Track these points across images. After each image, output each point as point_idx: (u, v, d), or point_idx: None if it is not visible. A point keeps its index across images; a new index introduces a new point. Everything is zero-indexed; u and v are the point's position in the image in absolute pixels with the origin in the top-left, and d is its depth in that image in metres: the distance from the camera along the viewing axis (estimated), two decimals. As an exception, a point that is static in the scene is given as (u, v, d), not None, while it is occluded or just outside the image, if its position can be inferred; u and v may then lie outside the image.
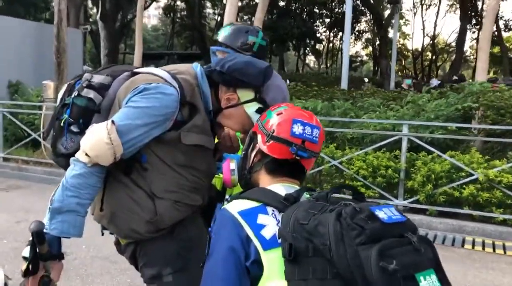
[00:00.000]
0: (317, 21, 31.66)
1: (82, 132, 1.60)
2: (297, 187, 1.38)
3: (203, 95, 1.70)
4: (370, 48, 36.89)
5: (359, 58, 40.60)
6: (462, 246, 4.90)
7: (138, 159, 1.62)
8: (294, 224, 1.13)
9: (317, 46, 35.94)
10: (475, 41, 30.72)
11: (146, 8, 23.45)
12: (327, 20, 32.37)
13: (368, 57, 41.29)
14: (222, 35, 2.23)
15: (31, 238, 1.47)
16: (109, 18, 21.10)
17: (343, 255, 1.02)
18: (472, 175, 5.33)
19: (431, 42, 34.01)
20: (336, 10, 30.74)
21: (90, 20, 29.78)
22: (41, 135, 8.09)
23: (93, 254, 4.31)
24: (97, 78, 1.73)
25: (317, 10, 30.41)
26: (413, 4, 35.23)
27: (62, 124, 1.69)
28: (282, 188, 1.35)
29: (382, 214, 1.09)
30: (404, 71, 39.12)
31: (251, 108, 1.70)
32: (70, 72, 8.70)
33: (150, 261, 1.71)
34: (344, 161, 5.94)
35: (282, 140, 1.36)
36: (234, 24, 2.29)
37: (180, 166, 1.66)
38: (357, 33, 33.04)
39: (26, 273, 1.47)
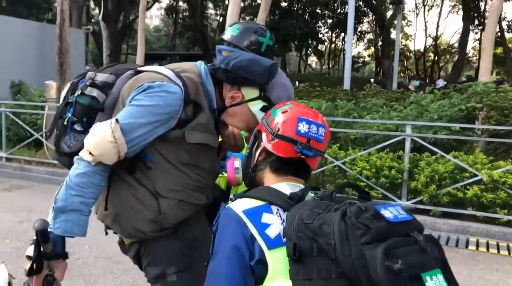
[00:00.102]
0: (319, 22, 31.62)
1: (85, 131, 1.59)
2: (302, 186, 1.37)
3: (207, 94, 1.69)
4: (372, 49, 36.85)
5: (361, 59, 40.55)
6: (466, 247, 4.87)
7: (142, 157, 1.61)
8: (298, 223, 1.12)
9: (319, 47, 35.89)
10: (477, 42, 30.64)
11: (148, 8, 23.50)
12: (329, 21, 32.34)
13: (370, 58, 41.24)
14: (229, 34, 2.21)
15: (35, 237, 1.47)
16: (111, 18, 21.11)
17: (348, 254, 1.01)
18: (476, 175, 5.31)
19: (434, 43, 33.96)
20: (339, 11, 30.73)
21: (92, 20, 29.83)
22: (44, 136, 8.10)
23: (96, 254, 4.31)
24: (101, 77, 1.73)
25: (319, 11, 30.38)
26: (415, 5, 35.19)
27: (65, 123, 1.68)
28: (287, 186, 1.34)
29: (387, 213, 1.08)
30: (407, 72, 39.04)
31: (256, 107, 1.69)
32: (73, 73, 8.70)
33: (154, 261, 1.70)
34: (347, 161, 5.93)
35: (287, 139, 1.34)
36: (242, 23, 2.26)
37: (184, 164, 1.65)
38: (359, 34, 33.00)
39: (30, 272, 1.46)
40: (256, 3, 26.53)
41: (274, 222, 1.22)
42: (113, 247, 4.31)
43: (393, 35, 24.00)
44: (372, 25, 33.36)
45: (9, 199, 6.45)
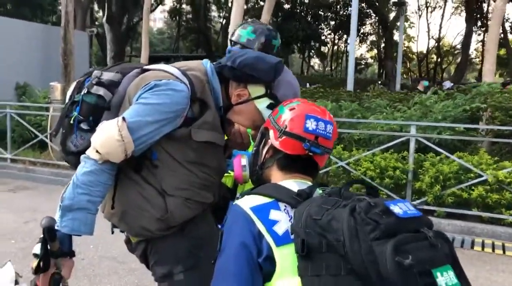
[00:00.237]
0: (322, 24, 31.61)
1: (92, 130, 1.59)
2: (310, 183, 1.36)
3: (213, 92, 1.69)
4: (375, 51, 36.80)
5: (364, 61, 40.51)
6: (472, 248, 4.85)
7: (149, 156, 1.61)
8: (307, 220, 1.11)
9: (322, 49, 35.91)
10: (480, 43, 30.58)
11: (152, 11, 23.53)
12: (332, 23, 32.33)
13: (373, 60, 41.20)
14: (240, 35, 2.21)
15: (42, 235, 1.47)
16: (115, 20, 21.18)
17: (358, 250, 1.00)
18: (481, 176, 5.29)
19: (436, 44, 33.89)
20: (341, 12, 30.71)
21: (96, 23, 29.93)
22: (48, 137, 8.12)
23: (101, 254, 4.31)
24: (107, 75, 1.72)
25: (322, 13, 30.37)
26: (418, 7, 35.14)
27: (71, 122, 1.68)
28: (294, 184, 1.33)
29: (397, 208, 1.07)
30: (410, 73, 38.98)
31: (262, 104, 1.69)
32: (77, 74, 8.71)
33: (161, 259, 1.69)
34: (351, 162, 5.92)
35: (295, 136, 1.34)
36: (254, 25, 2.25)
37: (191, 163, 1.65)
38: (362, 36, 32.99)
39: (37, 270, 1.46)
40: (259, 5, 26.55)
41: (282, 219, 1.22)
42: (118, 247, 4.35)
43: (396, 37, 24.00)
44: (374, 27, 33.34)
45: (14, 200, 6.46)
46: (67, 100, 1.78)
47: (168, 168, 1.63)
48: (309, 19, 29.34)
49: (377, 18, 27.32)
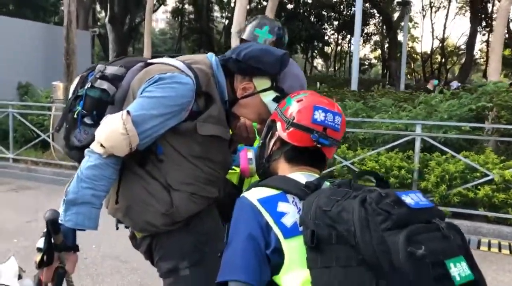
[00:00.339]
0: (325, 24, 31.60)
1: (95, 124, 1.57)
2: (317, 176, 1.34)
3: (218, 85, 1.67)
4: (379, 51, 36.76)
5: (368, 61, 40.47)
6: (478, 248, 4.80)
7: (154, 150, 1.59)
8: (316, 211, 1.09)
9: (325, 49, 35.90)
10: (485, 43, 30.49)
11: (154, 11, 23.58)
12: (335, 22, 32.32)
13: (376, 60, 41.15)
14: (256, 35, 2.18)
15: (45, 230, 1.44)
16: (118, 21, 21.22)
17: (369, 241, 0.98)
18: (487, 175, 5.25)
19: (441, 45, 33.82)
20: (345, 12, 30.69)
21: (99, 23, 30.00)
22: (51, 137, 8.11)
23: (104, 253, 4.29)
24: (111, 69, 1.70)
25: (325, 13, 30.36)
26: (422, 7, 35.10)
27: (75, 116, 1.65)
28: (302, 176, 1.31)
29: (408, 199, 1.05)
30: (414, 74, 38.93)
31: (268, 97, 1.67)
32: (79, 74, 8.71)
33: (166, 255, 1.67)
34: (356, 162, 5.88)
35: (303, 127, 1.31)
36: (267, 23, 2.22)
37: (196, 157, 1.62)
38: (365, 36, 32.94)
39: (41, 264, 1.44)
40: (262, 6, 26.56)
41: (290, 211, 1.19)
42: (121, 246, 4.33)
43: (399, 37, 23.94)
44: (378, 27, 33.30)
45: (16, 199, 6.46)
46: (70, 95, 1.76)
47: (173, 162, 1.60)
48: (312, 19, 29.33)
49: (381, 18, 27.29)
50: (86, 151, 1.52)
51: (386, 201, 1.02)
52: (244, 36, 2.23)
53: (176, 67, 1.61)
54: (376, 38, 35.83)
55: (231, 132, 1.79)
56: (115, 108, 1.63)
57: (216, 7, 34.40)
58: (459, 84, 14.21)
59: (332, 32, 34.02)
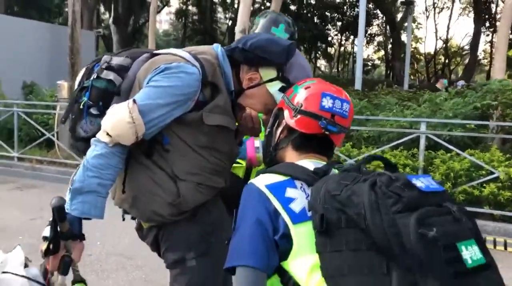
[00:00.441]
0: (329, 25, 31.57)
1: (101, 115, 1.57)
2: (325, 164, 1.33)
3: (224, 76, 1.67)
4: (382, 52, 36.70)
5: (371, 62, 40.41)
6: (483, 245, 4.77)
7: (160, 140, 1.59)
8: (325, 195, 1.09)
9: (329, 50, 35.86)
10: (489, 44, 30.40)
11: (158, 12, 23.63)
12: (339, 23, 32.28)
13: (380, 61, 41.09)
14: (273, 34, 2.17)
15: (51, 218, 1.44)
16: (122, 22, 21.26)
17: (379, 224, 0.97)
18: (492, 173, 5.22)
19: (444, 45, 33.73)
20: (348, 13, 30.66)
21: (102, 25, 30.07)
22: (55, 135, 8.13)
23: (108, 250, 4.29)
24: (116, 60, 1.71)
25: (328, 14, 30.34)
26: (426, 7, 35.03)
27: (81, 107, 1.65)
28: (310, 163, 1.30)
29: (419, 182, 1.04)
30: (417, 74, 38.84)
31: (274, 87, 1.66)
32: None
33: (173, 245, 1.66)
34: (360, 160, 5.85)
35: (311, 114, 1.31)
36: (283, 22, 2.21)
37: (202, 147, 1.62)
38: (368, 36, 32.90)
39: (47, 253, 1.44)
40: (264, 7, 26.57)
41: (298, 197, 1.19)
42: (125, 243, 4.33)
43: (403, 37, 23.92)
44: (381, 27, 33.25)
45: (21, 198, 6.47)
46: (76, 87, 1.76)
47: (179, 153, 1.60)
48: (315, 20, 29.31)
49: (384, 18, 27.25)
50: (92, 140, 1.52)
51: (397, 184, 1.02)
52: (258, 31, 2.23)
53: (182, 58, 1.61)
54: (379, 39, 35.78)
55: (237, 124, 1.79)
56: (121, 99, 1.63)
57: (219, 9, 34.43)
58: (465, 83, 14.17)
59: (336, 33, 33.98)
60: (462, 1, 32.10)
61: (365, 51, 36.73)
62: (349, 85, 15.51)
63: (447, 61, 34.41)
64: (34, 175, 7.84)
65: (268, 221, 1.15)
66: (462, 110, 6.29)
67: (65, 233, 1.45)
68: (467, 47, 31.98)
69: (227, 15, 35.08)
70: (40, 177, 7.71)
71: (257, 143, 1.76)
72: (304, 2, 28.76)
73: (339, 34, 34.28)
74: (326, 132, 1.31)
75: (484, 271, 0.97)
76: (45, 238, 1.46)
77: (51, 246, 1.43)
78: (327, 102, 1.31)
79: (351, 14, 29.76)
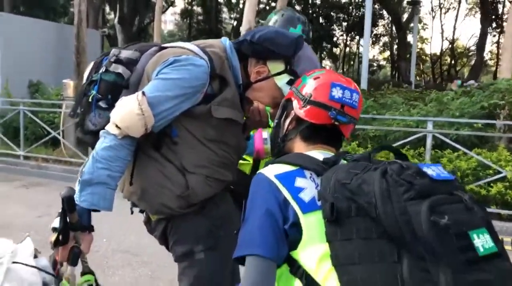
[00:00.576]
0: (334, 25, 31.54)
1: (110, 108, 1.57)
2: (334, 154, 1.32)
3: (232, 69, 1.67)
4: (388, 52, 36.62)
5: (376, 62, 40.34)
6: (490, 245, 4.75)
7: (168, 133, 1.59)
8: (335, 184, 1.08)
9: (334, 50, 35.81)
10: (495, 45, 30.28)
11: (163, 12, 23.68)
12: (344, 24, 32.25)
13: (385, 62, 41.01)
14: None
15: (61, 210, 1.45)
16: (127, 22, 21.32)
17: (391, 212, 0.97)
18: (500, 172, 5.20)
19: (450, 46, 33.62)
20: (354, 13, 30.62)
21: (108, 24, 30.17)
22: (61, 134, 8.16)
23: (114, 247, 4.30)
24: (125, 53, 1.71)
25: (333, 14, 30.31)
26: (432, 8, 34.88)
27: (90, 100, 1.66)
28: (319, 154, 1.29)
29: (430, 171, 1.04)
30: (423, 75, 38.72)
31: (282, 81, 1.67)
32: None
33: (181, 238, 1.67)
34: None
35: (320, 104, 1.30)
36: (298, 21, 2.21)
37: (210, 140, 1.62)
38: (374, 37, 32.85)
39: (56, 243, 1.44)
40: (269, 7, 26.58)
41: (308, 186, 1.18)
42: (131, 240, 4.34)
43: (409, 38, 23.86)
44: (387, 28, 33.19)
45: (27, 195, 6.50)
46: (84, 81, 1.76)
47: (187, 145, 1.60)
48: (321, 20, 29.29)
49: (390, 19, 27.19)
50: (101, 132, 1.52)
51: (408, 172, 1.01)
52: None
53: (191, 51, 1.61)
54: (385, 39, 35.71)
55: (244, 118, 1.79)
56: (129, 92, 1.63)
57: (224, 9, 34.47)
58: (476, 84, 14.12)
59: (341, 33, 33.94)
60: (468, 1, 31.98)
61: (371, 51, 36.68)
62: (354, 85, 15.48)
63: (453, 62, 34.28)
64: (40, 173, 7.87)
65: (277, 211, 1.14)
66: (469, 110, 6.27)
67: (74, 224, 1.45)
68: (473, 48, 31.85)
69: (232, 15, 35.11)
70: (45, 175, 7.74)
71: (265, 134, 1.76)
72: (310, 2, 28.74)
73: (344, 35, 34.24)
74: (336, 123, 1.30)
75: (496, 259, 0.96)
76: (54, 229, 1.46)
77: (60, 237, 1.44)
78: (337, 93, 1.30)
79: (357, 14, 29.73)
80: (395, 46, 29.23)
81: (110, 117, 1.51)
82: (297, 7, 28.10)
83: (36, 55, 9.96)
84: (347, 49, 37.40)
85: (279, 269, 1.15)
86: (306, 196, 1.16)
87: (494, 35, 29.31)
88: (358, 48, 35.07)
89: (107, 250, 4.21)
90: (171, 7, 32.59)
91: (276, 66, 1.67)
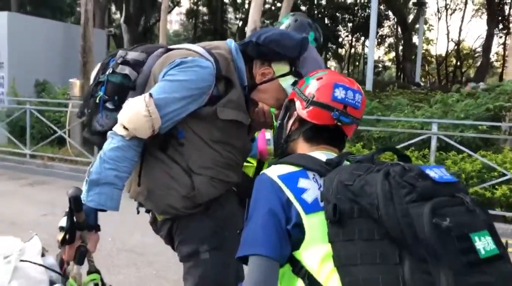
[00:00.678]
0: (340, 26, 31.49)
1: (117, 109, 1.59)
2: (337, 155, 1.33)
3: (238, 71, 1.69)
4: (393, 53, 36.51)
5: (382, 63, 40.23)
6: (494, 247, 4.73)
7: (175, 134, 1.61)
8: (338, 186, 1.09)
9: (339, 51, 35.74)
10: (501, 46, 30.12)
11: (169, 12, 23.71)
12: (350, 24, 32.18)
13: (391, 63, 40.88)
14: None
15: (68, 209, 1.46)
16: (133, 21, 21.37)
17: (393, 214, 0.98)
18: (505, 175, 5.19)
19: (456, 47, 33.47)
20: (359, 14, 30.55)
21: (114, 24, 30.26)
22: (67, 133, 8.20)
23: (119, 246, 4.32)
24: (132, 55, 1.73)
25: (339, 15, 30.26)
26: (438, 9, 34.75)
27: (97, 101, 1.68)
28: (322, 154, 1.30)
29: (432, 173, 1.05)
30: (428, 77, 38.57)
31: (287, 82, 1.68)
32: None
33: (187, 238, 1.68)
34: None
35: (323, 105, 1.31)
36: (310, 28, 2.22)
37: (216, 142, 1.64)
38: (379, 38, 32.76)
39: (63, 242, 1.46)
40: (274, 8, 26.58)
41: (311, 187, 1.19)
42: (136, 240, 4.36)
43: (414, 39, 23.77)
44: (393, 29, 33.09)
45: (32, 194, 6.54)
46: (91, 82, 1.78)
47: (193, 147, 1.62)
48: (326, 21, 29.24)
49: (395, 20, 27.11)
50: (109, 133, 1.54)
51: (410, 174, 1.02)
52: None
53: (197, 52, 1.63)
54: (390, 40, 35.60)
55: (249, 119, 1.80)
56: (136, 93, 1.65)
57: (230, 9, 34.49)
58: (486, 86, 14.07)
59: (346, 34, 33.87)
60: (475, 2, 31.83)
61: (376, 52, 36.57)
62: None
63: (458, 63, 34.13)
64: (45, 171, 7.93)
65: (280, 211, 1.16)
66: (474, 112, 6.26)
67: (81, 223, 1.47)
68: (479, 49, 31.69)
69: (237, 16, 35.13)
70: (51, 174, 7.79)
71: (268, 135, 1.78)
72: (315, 2, 28.70)
73: (350, 35, 34.16)
74: (339, 124, 1.31)
75: (497, 261, 0.97)
76: (61, 228, 1.48)
77: (67, 236, 1.45)
78: (339, 93, 1.31)
79: (362, 15, 29.66)
80: (401, 47, 29.12)
81: (118, 118, 1.52)
82: (303, 8, 28.09)
83: (42, 55, 10.00)
84: (353, 50, 37.30)
85: (282, 269, 1.16)
86: (309, 196, 1.17)
87: (501, 37, 29.18)
88: (363, 49, 35.00)
89: (112, 249, 4.24)
90: (177, 7, 32.63)
91: (281, 67, 1.68)
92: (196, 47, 1.68)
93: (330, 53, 34.59)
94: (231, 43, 1.75)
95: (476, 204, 1.04)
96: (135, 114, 1.48)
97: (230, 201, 1.77)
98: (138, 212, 1.83)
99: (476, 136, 5.84)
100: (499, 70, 31.15)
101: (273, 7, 27.86)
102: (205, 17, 34.03)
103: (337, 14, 29.82)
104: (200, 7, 33.24)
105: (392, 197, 0.99)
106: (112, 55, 1.80)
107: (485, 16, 26.29)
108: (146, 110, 1.47)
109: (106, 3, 20.66)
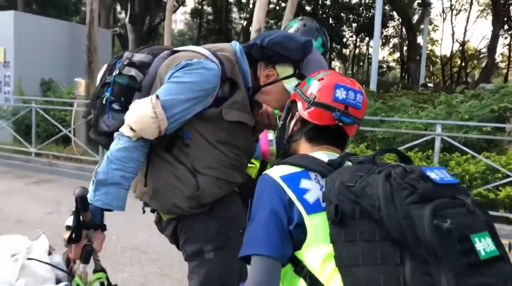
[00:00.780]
0: (344, 26, 31.46)
1: (123, 110, 1.61)
2: (338, 155, 1.35)
3: (242, 72, 1.70)
4: (397, 54, 36.44)
5: (386, 64, 40.15)
6: (498, 248, 4.73)
7: (181, 135, 1.62)
8: (339, 187, 1.10)
9: (343, 51, 35.70)
10: (507, 47, 30.01)
11: (173, 12, 23.75)
12: (354, 25, 32.14)
13: (395, 63, 40.80)
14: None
15: (74, 209, 1.48)
16: (138, 21, 21.41)
17: (394, 215, 0.99)
18: (509, 176, 5.18)
19: (461, 48, 33.36)
20: (364, 15, 30.51)
21: (119, 24, 30.34)
22: (72, 132, 8.25)
23: (123, 244, 4.35)
24: (138, 57, 1.74)
25: (343, 15, 30.23)
26: (443, 9, 34.66)
27: (103, 102, 1.69)
28: (324, 155, 1.31)
29: (433, 174, 1.06)
30: (433, 77, 38.46)
31: (291, 84, 1.69)
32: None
33: (191, 238, 1.70)
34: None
35: (324, 105, 1.32)
36: (319, 34, 2.23)
37: (221, 143, 1.65)
38: (384, 38, 32.69)
39: (69, 241, 1.48)
40: (279, 7, 26.57)
41: (313, 188, 1.20)
42: (141, 238, 4.39)
43: (419, 39, 23.71)
44: (397, 29, 33.02)
45: (38, 192, 6.58)
46: (97, 83, 1.80)
47: (198, 148, 1.64)
48: (330, 21, 29.22)
49: (400, 20, 27.05)
50: (115, 134, 1.55)
51: (411, 175, 1.03)
52: None
53: (202, 54, 1.65)
54: (395, 40, 35.53)
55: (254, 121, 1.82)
56: (142, 94, 1.67)
57: (234, 8, 34.53)
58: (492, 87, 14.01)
59: (351, 34, 33.83)
60: (480, 3, 31.70)
61: (380, 53, 36.44)
62: (364, 86, 15.45)
63: (463, 64, 34.01)
64: (51, 170, 7.98)
65: (282, 211, 1.17)
66: (479, 113, 6.25)
67: (87, 223, 1.49)
68: (484, 50, 31.57)
69: (242, 15, 35.14)
70: (56, 172, 7.84)
71: (271, 135, 1.80)
72: (320, 2, 28.68)
73: (354, 36, 34.12)
74: (340, 124, 1.32)
75: (498, 263, 0.98)
76: (68, 227, 1.50)
77: (73, 235, 1.48)
78: (340, 94, 1.32)
79: (367, 15, 29.62)
80: (405, 48, 29.05)
81: (125, 119, 1.54)
82: (307, 8, 28.07)
83: (48, 54, 10.06)
84: (357, 50, 37.26)
85: (284, 268, 1.18)
86: (310, 197, 1.18)
87: (506, 37, 29.05)
88: (367, 49, 34.95)
89: (116, 247, 4.27)
90: (181, 7, 32.68)
91: (285, 70, 1.69)
92: (202, 49, 1.69)
93: (334, 53, 34.56)
94: (235, 45, 1.76)
95: (477, 205, 1.05)
96: (142, 115, 1.49)
97: (234, 201, 1.78)
98: (144, 212, 1.85)
99: (480, 138, 5.82)
100: (504, 71, 31.02)
101: (277, 7, 27.84)
102: (210, 17, 34.10)
103: (341, 14, 29.79)
104: (205, 7, 33.29)
105: (393, 198, 1.00)
106: (118, 56, 1.82)
107: (490, 17, 26.17)
108: (152, 111, 1.49)
109: (112, 2, 20.70)
